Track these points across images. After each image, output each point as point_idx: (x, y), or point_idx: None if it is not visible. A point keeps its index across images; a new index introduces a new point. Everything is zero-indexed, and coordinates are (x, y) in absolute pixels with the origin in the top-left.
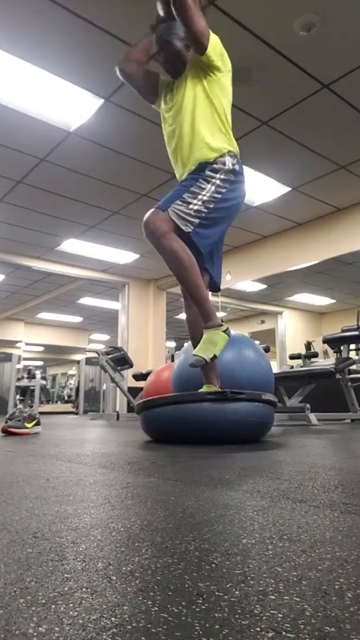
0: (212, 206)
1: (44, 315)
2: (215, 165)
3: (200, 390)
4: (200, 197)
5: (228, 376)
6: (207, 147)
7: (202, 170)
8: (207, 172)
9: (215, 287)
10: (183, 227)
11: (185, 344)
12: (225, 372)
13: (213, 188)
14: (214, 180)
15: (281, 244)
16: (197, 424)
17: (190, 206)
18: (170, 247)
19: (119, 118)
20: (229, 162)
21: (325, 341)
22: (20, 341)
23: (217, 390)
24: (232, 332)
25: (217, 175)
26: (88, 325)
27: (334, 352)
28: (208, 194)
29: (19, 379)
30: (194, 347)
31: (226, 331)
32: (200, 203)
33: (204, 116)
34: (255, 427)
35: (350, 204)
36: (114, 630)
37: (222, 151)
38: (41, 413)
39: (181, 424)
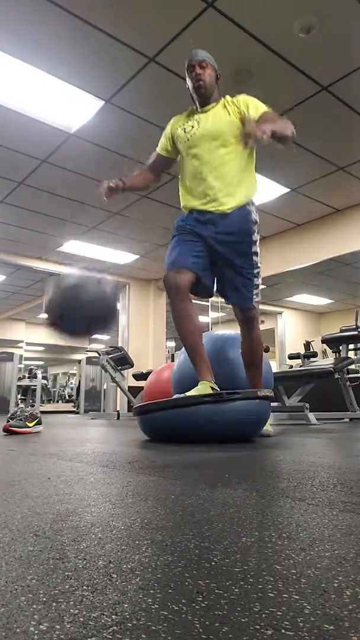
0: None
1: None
2: (253, 217)
3: (195, 389)
4: (258, 271)
5: (228, 376)
6: (250, 184)
7: (248, 223)
8: (253, 237)
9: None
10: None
11: None
12: (226, 372)
13: (259, 252)
14: (258, 246)
15: (280, 244)
16: (193, 424)
17: (259, 288)
18: (259, 336)
19: (120, 120)
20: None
21: (324, 341)
22: (22, 341)
23: (212, 393)
24: (232, 332)
25: (256, 230)
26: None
27: (333, 352)
28: (259, 263)
29: (20, 379)
30: (195, 367)
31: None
32: (259, 279)
33: (246, 156)
34: (249, 426)
35: (349, 205)
36: (115, 627)
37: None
38: (42, 412)
39: (177, 424)
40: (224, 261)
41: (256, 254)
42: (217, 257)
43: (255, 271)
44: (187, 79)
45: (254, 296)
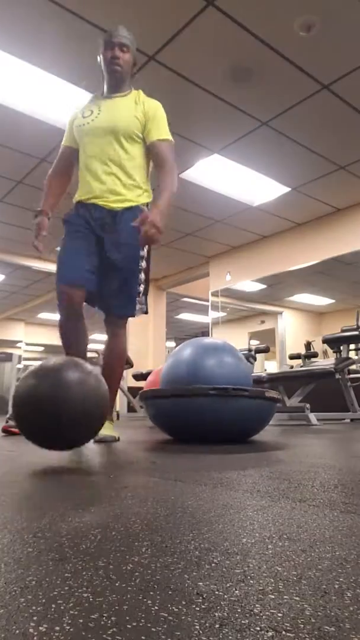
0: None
1: (44, 316)
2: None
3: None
4: (141, 277)
5: (209, 378)
6: (145, 189)
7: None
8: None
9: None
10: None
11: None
12: (207, 375)
13: (145, 257)
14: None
15: (281, 244)
16: (198, 414)
17: (141, 296)
18: (124, 349)
19: None
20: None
21: (325, 341)
22: (21, 341)
23: (218, 387)
24: (217, 340)
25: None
26: (88, 325)
27: (334, 352)
28: (143, 271)
29: (19, 379)
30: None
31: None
32: (143, 285)
33: (142, 157)
34: (253, 423)
35: (350, 204)
36: (114, 629)
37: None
38: None
39: (183, 413)
40: (111, 264)
41: (142, 257)
42: (105, 259)
43: (141, 277)
44: (100, 55)
45: (138, 305)
